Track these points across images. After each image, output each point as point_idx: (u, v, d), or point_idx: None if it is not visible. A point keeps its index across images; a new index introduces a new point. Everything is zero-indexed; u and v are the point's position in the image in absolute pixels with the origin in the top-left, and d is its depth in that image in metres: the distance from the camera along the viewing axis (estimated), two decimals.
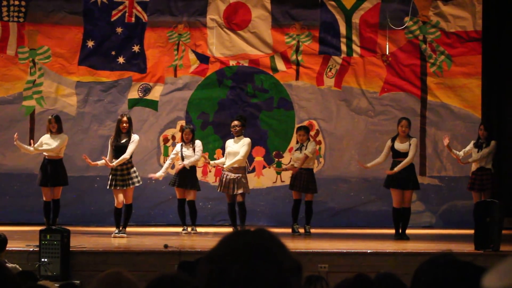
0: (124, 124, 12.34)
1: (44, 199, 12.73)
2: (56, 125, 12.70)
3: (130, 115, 12.88)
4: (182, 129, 13.43)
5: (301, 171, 12.86)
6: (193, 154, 13.03)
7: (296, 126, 14.55)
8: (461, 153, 13.10)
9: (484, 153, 12.84)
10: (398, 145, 12.36)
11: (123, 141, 12.32)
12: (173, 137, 14.86)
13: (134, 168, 12.42)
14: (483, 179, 13.02)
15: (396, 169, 12.17)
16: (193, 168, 13.08)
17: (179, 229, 13.17)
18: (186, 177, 12.97)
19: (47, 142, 12.62)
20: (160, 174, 13.00)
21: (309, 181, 12.90)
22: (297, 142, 13.11)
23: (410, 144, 12.31)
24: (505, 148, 14.52)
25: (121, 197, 12.28)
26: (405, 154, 12.31)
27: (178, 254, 9.62)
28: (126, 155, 12.25)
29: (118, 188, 12.25)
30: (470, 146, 13.10)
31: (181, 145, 13.13)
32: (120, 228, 12.26)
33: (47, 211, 12.71)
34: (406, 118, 12.66)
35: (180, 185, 12.99)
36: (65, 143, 12.80)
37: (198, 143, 13.16)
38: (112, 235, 12.08)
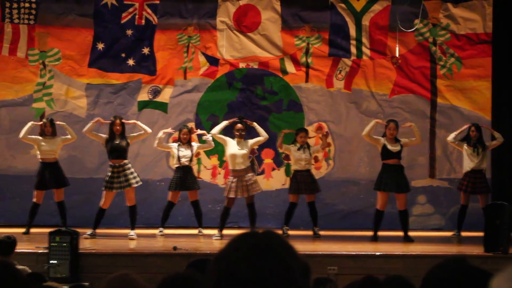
0: (118, 127, 12.44)
1: (35, 200, 12.92)
2: (51, 129, 13.00)
3: (126, 118, 12.93)
4: (179, 129, 13.37)
5: (303, 173, 12.90)
6: (191, 155, 13.02)
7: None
8: (452, 136, 13.26)
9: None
10: (390, 147, 12.46)
11: (118, 141, 12.37)
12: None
13: (132, 170, 12.44)
14: (477, 182, 13.07)
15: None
16: (189, 168, 13.08)
17: (189, 231, 13.16)
18: (184, 179, 12.95)
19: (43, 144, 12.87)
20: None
21: (312, 182, 12.96)
22: (294, 142, 13.06)
23: (401, 145, 12.46)
24: None
25: (111, 199, 12.34)
26: (397, 155, 12.43)
27: (187, 256, 9.62)
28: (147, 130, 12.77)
29: (113, 190, 12.30)
30: (464, 145, 13.21)
31: (178, 145, 13.12)
32: (130, 231, 12.31)
33: (34, 212, 12.90)
34: (394, 121, 12.78)
35: (180, 188, 12.97)
36: (61, 145, 13.10)
37: (195, 144, 13.21)
38: (84, 236, 11.75)
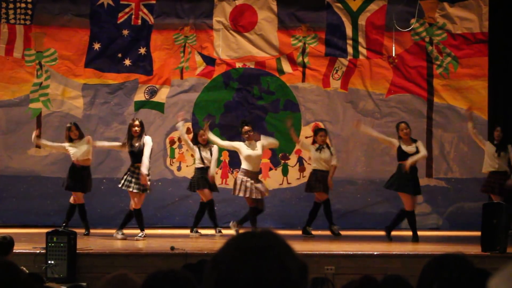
0: (136, 128, 12.19)
1: (71, 201, 12.81)
2: (77, 132, 12.79)
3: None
4: (195, 132, 13.30)
5: (324, 173, 12.83)
6: (211, 157, 12.93)
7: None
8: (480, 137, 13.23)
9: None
10: (406, 147, 12.24)
11: (137, 145, 12.22)
12: (179, 139, 14.84)
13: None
14: (502, 183, 12.97)
15: (410, 160, 12.10)
16: (204, 169, 13.00)
17: (186, 231, 13.15)
18: (207, 178, 12.89)
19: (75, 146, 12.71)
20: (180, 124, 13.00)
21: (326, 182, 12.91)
22: (313, 141, 13.04)
23: (417, 147, 12.25)
24: None
25: (135, 197, 12.30)
26: (412, 156, 12.29)
27: (184, 256, 9.61)
28: (146, 161, 12.12)
29: (135, 191, 12.17)
30: (487, 143, 13.15)
31: (199, 148, 13.03)
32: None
33: (72, 213, 12.78)
34: (404, 122, 12.60)
35: (203, 186, 12.90)
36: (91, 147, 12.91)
37: (215, 147, 13.12)
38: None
